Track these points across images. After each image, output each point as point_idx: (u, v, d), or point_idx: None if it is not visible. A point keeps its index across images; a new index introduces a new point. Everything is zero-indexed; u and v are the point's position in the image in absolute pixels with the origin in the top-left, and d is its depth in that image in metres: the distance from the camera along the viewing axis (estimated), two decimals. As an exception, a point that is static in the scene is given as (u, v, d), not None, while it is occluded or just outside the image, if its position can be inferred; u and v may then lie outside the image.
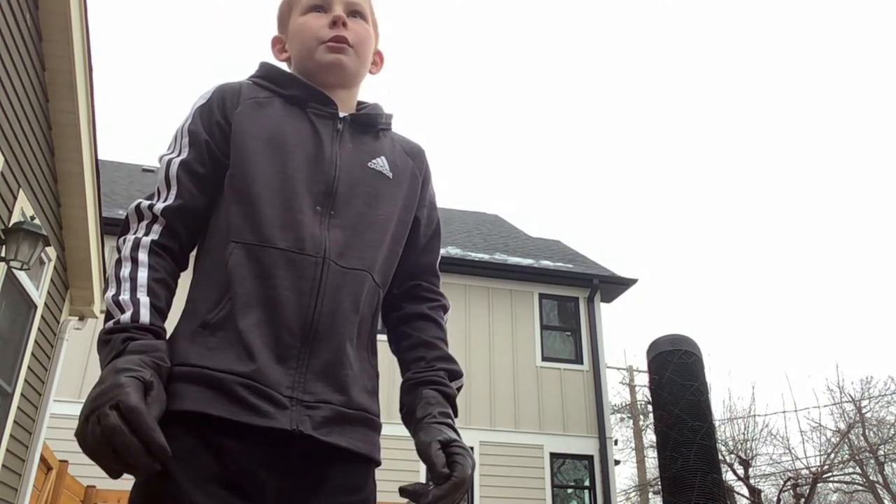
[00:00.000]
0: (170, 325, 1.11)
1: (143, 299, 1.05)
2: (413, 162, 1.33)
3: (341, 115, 1.25)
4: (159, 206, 1.14)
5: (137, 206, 1.15)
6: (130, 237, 1.12)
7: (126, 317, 1.03)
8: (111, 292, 1.06)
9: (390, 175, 1.26)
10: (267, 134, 1.18)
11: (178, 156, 1.18)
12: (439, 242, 1.37)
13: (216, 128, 1.19)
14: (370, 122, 1.30)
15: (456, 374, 1.26)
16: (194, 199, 1.16)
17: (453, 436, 1.13)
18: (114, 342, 1.01)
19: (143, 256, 1.10)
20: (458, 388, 1.26)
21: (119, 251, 1.12)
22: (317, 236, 1.12)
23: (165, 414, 1.00)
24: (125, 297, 1.05)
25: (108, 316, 1.05)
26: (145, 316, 1.04)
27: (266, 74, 1.29)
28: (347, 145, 1.23)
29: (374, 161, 1.25)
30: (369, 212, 1.20)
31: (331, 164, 1.19)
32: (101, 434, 0.89)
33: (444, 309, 1.33)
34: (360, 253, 1.16)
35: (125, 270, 1.08)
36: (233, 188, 1.15)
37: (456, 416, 1.21)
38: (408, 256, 1.29)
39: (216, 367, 1.03)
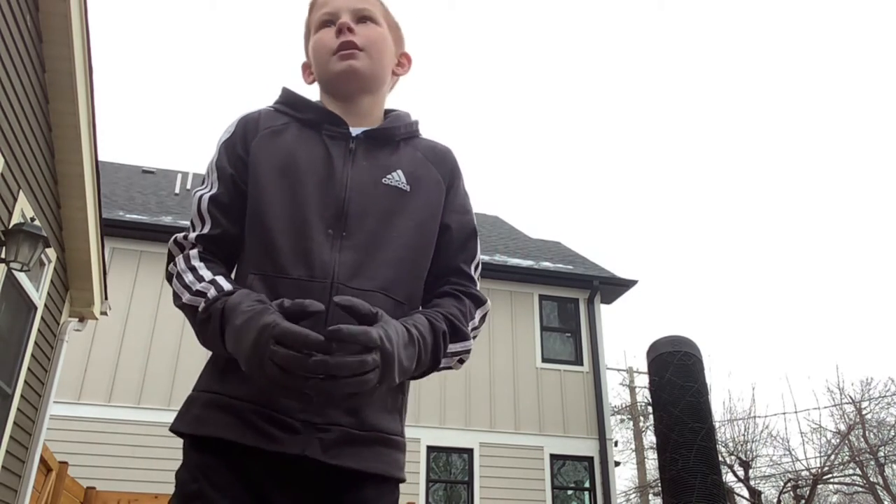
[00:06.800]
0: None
1: (218, 278, 1.13)
2: (437, 169, 1.31)
3: (354, 133, 1.26)
4: (193, 235, 1.21)
5: (175, 240, 1.22)
6: (178, 259, 1.19)
7: (212, 293, 1.10)
8: (186, 296, 1.12)
9: (407, 188, 1.25)
10: (280, 164, 1.22)
11: (209, 191, 1.24)
12: (475, 245, 1.32)
13: (239, 161, 1.24)
14: (386, 136, 1.29)
15: (460, 332, 1.17)
16: (226, 230, 1.22)
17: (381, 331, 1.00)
18: (213, 313, 1.07)
19: (196, 263, 1.17)
20: (459, 357, 1.18)
21: (173, 273, 1.18)
22: (326, 261, 1.14)
23: (192, 437, 1.10)
24: (201, 285, 1.12)
25: (192, 309, 1.11)
26: (227, 285, 1.12)
27: (285, 100, 1.32)
28: (361, 164, 1.24)
29: (388, 177, 1.24)
30: (384, 230, 1.19)
31: (341, 186, 1.20)
32: (280, 369, 0.95)
33: (471, 296, 1.25)
34: (372, 273, 1.16)
35: (188, 276, 1.15)
36: (251, 220, 1.20)
37: (432, 349, 1.11)
38: (438, 261, 1.27)
39: (232, 393, 1.09)
